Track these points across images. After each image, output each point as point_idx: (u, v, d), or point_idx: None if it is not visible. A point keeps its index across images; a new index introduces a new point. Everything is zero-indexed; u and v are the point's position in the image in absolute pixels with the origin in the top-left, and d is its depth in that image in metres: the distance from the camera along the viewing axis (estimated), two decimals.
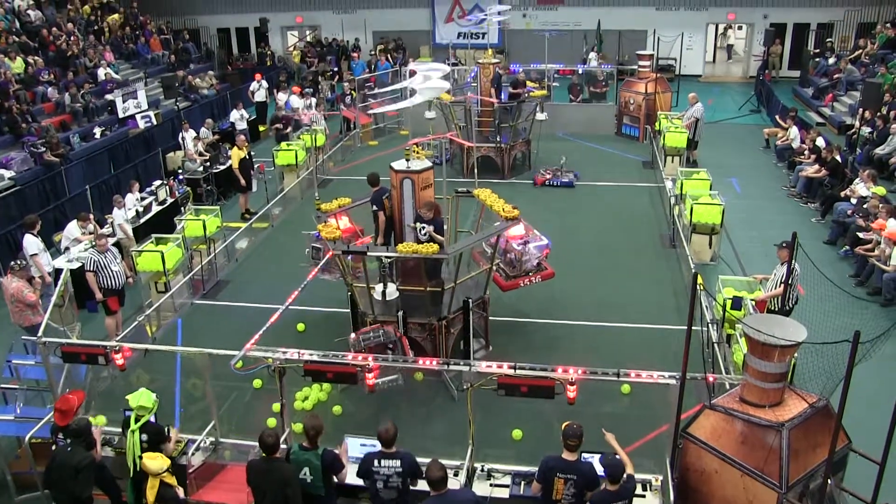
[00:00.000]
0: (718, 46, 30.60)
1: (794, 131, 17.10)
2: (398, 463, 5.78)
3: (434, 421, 8.36)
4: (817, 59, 23.15)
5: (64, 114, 18.22)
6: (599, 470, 5.76)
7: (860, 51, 21.62)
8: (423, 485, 5.84)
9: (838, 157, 14.92)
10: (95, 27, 23.70)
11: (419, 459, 6.07)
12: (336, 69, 26.52)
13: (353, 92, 20.70)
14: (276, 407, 7.51)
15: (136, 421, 6.35)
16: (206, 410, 7.65)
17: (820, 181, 14.72)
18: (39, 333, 7.46)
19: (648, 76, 19.33)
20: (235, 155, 14.49)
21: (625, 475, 5.61)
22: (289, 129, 17.83)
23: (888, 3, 24.73)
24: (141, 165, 16.37)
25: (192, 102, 21.94)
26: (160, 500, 5.96)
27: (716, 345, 8.79)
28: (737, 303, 8.64)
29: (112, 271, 9.78)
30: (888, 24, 21.21)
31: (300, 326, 10.24)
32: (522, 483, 6.48)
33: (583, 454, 5.92)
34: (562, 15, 27.92)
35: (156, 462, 5.99)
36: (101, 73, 20.81)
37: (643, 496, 6.28)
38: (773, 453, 5.39)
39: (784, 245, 8.61)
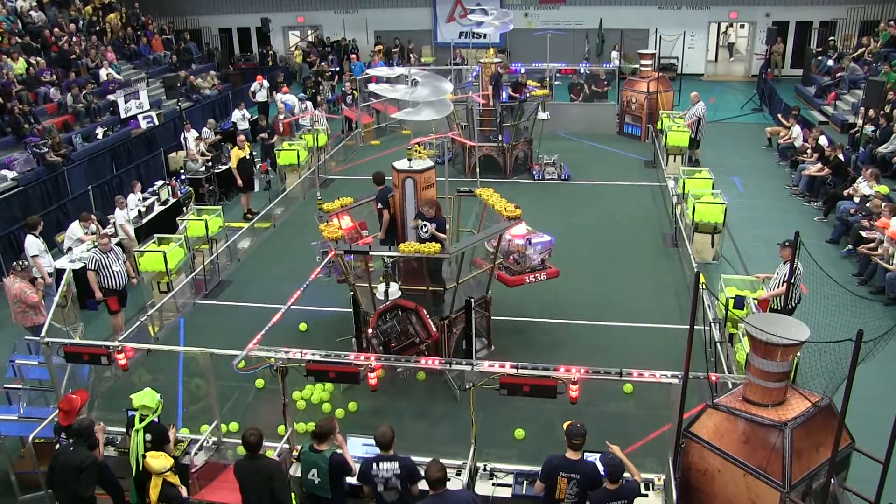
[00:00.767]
0: (721, 45, 30.53)
1: (796, 130, 17.08)
2: (396, 465, 5.81)
3: (436, 421, 8.36)
4: (820, 58, 23.11)
5: (66, 114, 18.24)
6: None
7: (863, 49, 21.57)
8: (423, 485, 5.86)
9: (841, 156, 14.90)
10: (97, 28, 23.73)
11: (421, 459, 6.07)
12: (338, 69, 26.52)
13: (354, 92, 20.70)
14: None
15: (141, 420, 6.36)
16: (209, 410, 7.65)
17: (823, 180, 14.70)
18: (42, 333, 7.48)
19: (650, 75, 19.32)
20: (235, 155, 14.54)
21: (625, 475, 5.60)
22: (274, 139, 17.30)
23: (891, 0, 24.68)
24: (143, 166, 16.38)
25: (193, 103, 21.96)
26: (163, 499, 5.97)
27: (718, 344, 8.79)
28: (739, 302, 8.62)
29: (113, 271, 9.78)
30: (891, 22, 21.14)
31: (302, 326, 10.24)
32: (525, 482, 6.48)
33: (585, 454, 5.92)
34: (563, 14, 27.90)
35: (159, 461, 6.00)
36: (103, 73, 20.83)
37: (646, 495, 6.27)
38: (776, 452, 5.39)
39: (787, 244, 8.60)
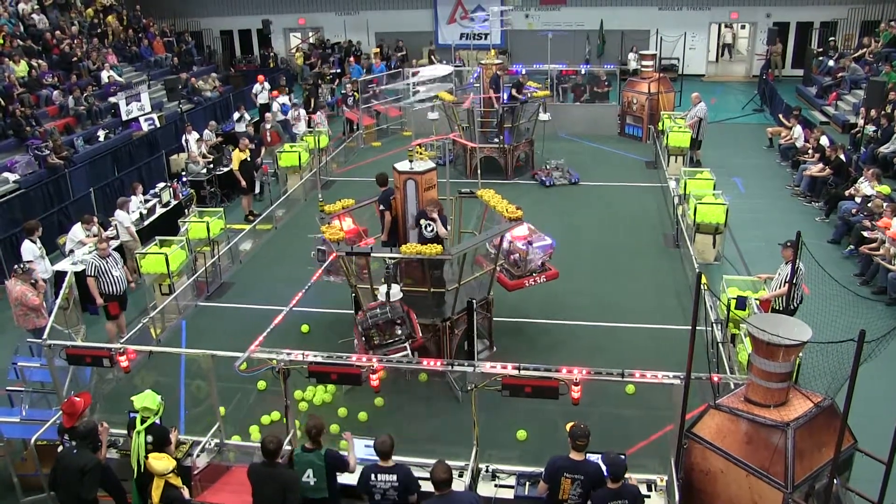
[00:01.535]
0: (724, 45, 30.55)
1: (797, 130, 17.07)
2: (394, 478, 5.84)
3: (438, 422, 8.36)
4: (820, 58, 23.10)
5: (68, 117, 18.28)
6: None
7: (864, 49, 21.56)
8: (426, 485, 5.87)
9: (842, 156, 14.88)
10: (98, 30, 23.76)
11: (424, 461, 6.08)
12: (339, 70, 26.55)
13: (355, 94, 20.72)
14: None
15: (142, 422, 6.37)
16: (211, 412, 7.65)
17: (824, 180, 14.68)
18: (44, 336, 7.48)
19: (651, 76, 19.32)
20: (236, 157, 14.55)
21: (626, 475, 5.60)
22: (262, 153, 16.35)
23: (892, 0, 24.67)
24: (144, 168, 16.40)
25: (195, 105, 21.99)
26: (166, 500, 5.97)
27: (720, 345, 8.78)
28: (741, 302, 8.62)
29: (113, 276, 9.77)
30: (892, 22, 21.13)
31: (304, 328, 10.25)
32: (527, 484, 6.47)
33: (587, 454, 5.91)
34: (564, 15, 27.91)
35: (162, 463, 6.00)
36: (105, 75, 20.88)
37: (648, 496, 6.26)
38: (779, 453, 5.38)
39: (788, 244, 8.59)
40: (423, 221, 8.58)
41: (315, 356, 6.73)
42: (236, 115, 18.58)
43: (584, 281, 11.44)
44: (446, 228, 8.75)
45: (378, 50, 27.68)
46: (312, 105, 20.54)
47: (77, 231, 11.47)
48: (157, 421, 6.47)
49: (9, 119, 16.44)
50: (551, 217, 13.64)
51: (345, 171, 17.96)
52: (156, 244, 11.16)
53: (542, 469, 5.97)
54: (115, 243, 11.50)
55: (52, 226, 12.97)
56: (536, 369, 6.40)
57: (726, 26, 30.01)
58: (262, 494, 5.89)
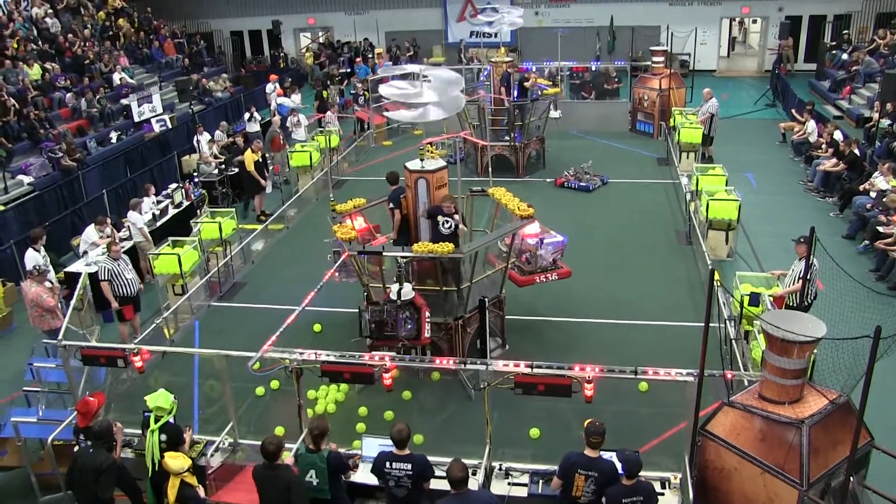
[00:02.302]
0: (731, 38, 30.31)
1: (811, 125, 16.94)
2: (409, 466, 5.84)
3: (451, 420, 8.36)
4: (834, 52, 22.89)
5: (80, 119, 18.43)
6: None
7: (879, 42, 21.34)
8: (437, 483, 5.87)
9: (856, 151, 14.75)
10: (110, 33, 23.93)
11: (438, 459, 6.07)
12: (349, 70, 26.59)
13: (366, 93, 20.73)
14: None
15: (156, 422, 6.41)
16: (224, 412, 7.69)
17: (838, 175, 14.56)
18: (59, 337, 7.55)
19: (662, 72, 19.21)
20: (249, 158, 14.59)
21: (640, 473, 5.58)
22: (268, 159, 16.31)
23: None
24: (157, 169, 16.51)
25: (206, 105, 22.10)
26: (181, 499, 6.00)
27: (734, 341, 8.73)
28: (754, 299, 8.57)
29: (126, 279, 9.83)
30: None
31: (317, 327, 10.27)
32: (541, 482, 6.46)
33: (601, 452, 5.90)
34: (574, 12, 27.84)
35: (177, 461, 6.03)
36: (117, 77, 21.02)
37: (662, 494, 6.24)
38: (794, 450, 5.34)
39: (802, 240, 8.53)
40: (440, 218, 8.58)
41: (328, 355, 6.75)
42: (247, 116, 18.66)
43: (596, 278, 11.40)
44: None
45: (380, 51, 27.69)
46: (319, 104, 20.55)
47: (90, 232, 11.55)
48: (171, 420, 6.51)
49: (23, 122, 16.59)
50: (563, 214, 13.60)
51: (356, 170, 18.00)
52: (168, 245, 11.23)
53: (556, 467, 5.96)
54: (127, 244, 11.59)
55: (65, 227, 13.09)
56: (549, 367, 6.40)
57: (732, 20, 29.79)
58: (267, 496, 5.92)
